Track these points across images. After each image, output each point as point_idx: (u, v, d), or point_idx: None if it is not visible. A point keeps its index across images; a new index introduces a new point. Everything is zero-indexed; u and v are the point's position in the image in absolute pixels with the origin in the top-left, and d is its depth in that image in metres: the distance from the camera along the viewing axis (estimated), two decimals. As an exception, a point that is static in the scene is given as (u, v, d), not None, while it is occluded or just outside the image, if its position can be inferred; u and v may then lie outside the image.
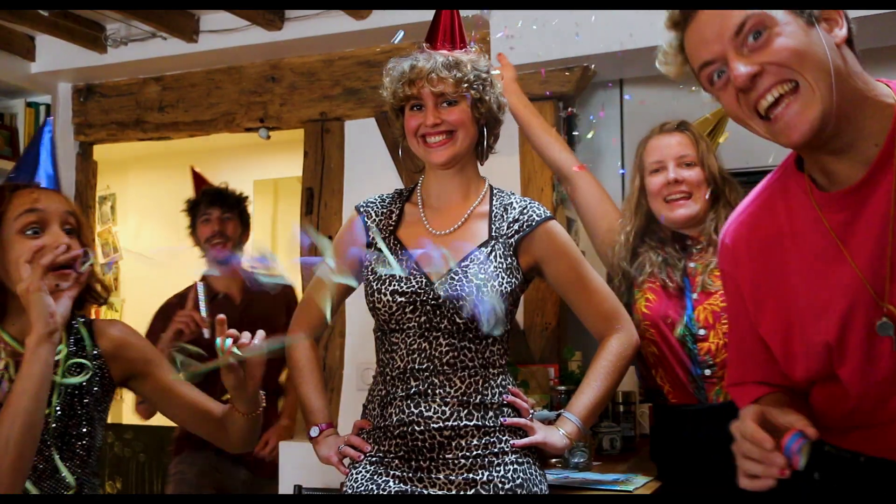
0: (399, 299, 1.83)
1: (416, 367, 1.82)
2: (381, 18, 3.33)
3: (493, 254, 1.87)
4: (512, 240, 1.91)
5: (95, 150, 4.13)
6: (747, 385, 1.47)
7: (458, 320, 1.81)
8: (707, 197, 2.19)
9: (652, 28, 2.92)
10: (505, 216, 1.93)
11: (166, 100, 3.88)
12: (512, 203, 1.96)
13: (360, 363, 3.34)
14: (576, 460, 2.40)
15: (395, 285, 1.84)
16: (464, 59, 1.91)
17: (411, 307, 1.83)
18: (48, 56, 3.83)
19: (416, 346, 1.83)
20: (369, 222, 1.97)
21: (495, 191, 2.00)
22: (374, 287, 1.87)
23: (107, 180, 5.32)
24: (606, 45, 2.99)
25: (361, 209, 2.01)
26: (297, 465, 3.31)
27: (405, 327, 1.84)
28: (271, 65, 3.68)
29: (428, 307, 1.82)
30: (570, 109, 3.22)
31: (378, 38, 3.43)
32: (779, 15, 1.21)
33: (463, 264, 1.84)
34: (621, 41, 2.99)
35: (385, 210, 1.99)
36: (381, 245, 1.92)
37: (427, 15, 3.19)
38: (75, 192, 4.04)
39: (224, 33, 3.54)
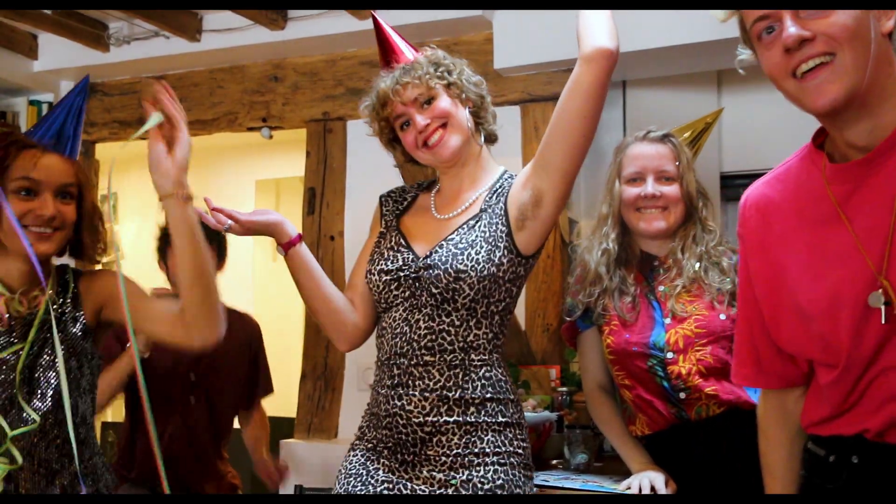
0: (385, 277, 1.90)
1: (398, 351, 1.86)
2: (383, 18, 3.32)
3: (479, 224, 1.88)
4: (499, 206, 1.89)
5: (97, 149, 4.13)
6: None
7: (434, 290, 1.83)
8: (681, 213, 2.19)
9: (654, 30, 2.94)
10: (501, 190, 1.94)
11: (169, 99, 3.87)
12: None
13: (360, 363, 3.34)
14: (577, 461, 2.39)
15: (382, 264, 1.92)
16: (419, 59, 1.96)
17: (395, 283, 1.88)
18: (51, 54, 3.83)
19: (399, 330, 1.87)
20: (385, 210, 2.04)
21: (508, 174, 1.98)
22: (368, 268, 1.95)
23: (109, 179, 5.31)
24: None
25: (382, 197, 2.08)
26: (297, 465, 3.31)
27: (393, 305, 1.89)
28: (274, 64, 3.68)
29: (410, 280, 1.86)
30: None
31: (381, 38, 3.43)
32: None
33: (448, 237, 1.88)
34: (625, 42, 2.98)
35: (401, 197, 2.07)
36: (384, 230, 1.99)
37: (427, 15, 3.21)
38: (77, 191, 4.04)
39: (227, 33, 3.55)
